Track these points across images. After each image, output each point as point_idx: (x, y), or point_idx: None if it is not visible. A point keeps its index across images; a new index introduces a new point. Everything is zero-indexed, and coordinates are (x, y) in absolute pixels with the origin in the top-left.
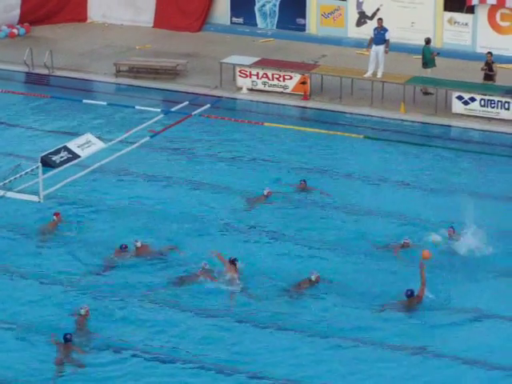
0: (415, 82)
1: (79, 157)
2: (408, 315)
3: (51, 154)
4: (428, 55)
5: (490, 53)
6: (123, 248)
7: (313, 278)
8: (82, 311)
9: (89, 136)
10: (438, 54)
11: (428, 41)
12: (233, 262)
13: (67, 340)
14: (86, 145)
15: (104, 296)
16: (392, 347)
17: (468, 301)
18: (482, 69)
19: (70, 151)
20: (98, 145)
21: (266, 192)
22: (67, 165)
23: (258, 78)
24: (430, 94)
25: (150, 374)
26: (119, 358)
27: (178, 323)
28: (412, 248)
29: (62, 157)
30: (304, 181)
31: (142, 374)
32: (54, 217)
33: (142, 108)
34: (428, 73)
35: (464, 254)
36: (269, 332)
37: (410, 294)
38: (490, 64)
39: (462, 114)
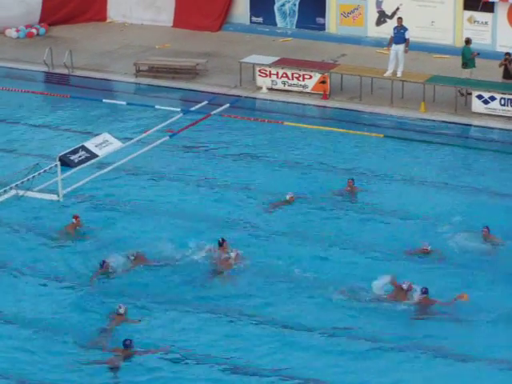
0: (435, 82)
1: (97, 156)
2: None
3: (69, 153)
4: (468, 55)
5: (508, 53)
6: (102, 265)
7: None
8: (121, 310)
9: (106, 135)
10: (479, 54)
11: (468, 41)
12: (220, 243)
13: (127, 346)
14: (104, 144)
15: (122, 296)
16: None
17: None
18: (500, 65)
19: (87, 151)
20: (116, 144)
21: (288, 197)
22: (85, 164)
23: (277, 78)
24: (469, 94)
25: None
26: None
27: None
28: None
29: (80, 156)
30: (352, 180)
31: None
32: (74, 220)
33: (162, 107)
34: (468, 73)
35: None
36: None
37: (425, 292)
38: (507, 65)
39: (482, 113)
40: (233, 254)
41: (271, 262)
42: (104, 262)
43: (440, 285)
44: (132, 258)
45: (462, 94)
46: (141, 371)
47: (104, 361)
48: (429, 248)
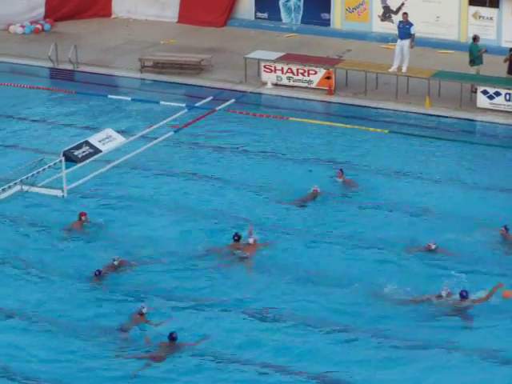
0: (440, 77)
1: (101, 151)
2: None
3: (73, 148)
4: (476, 52)
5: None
6: (98, 274)
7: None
8: (144, 310)
9: (109, 131)
10: (486, 50)
11: (475, 38)
12: (235, 239)
13: (174, 339)
14: (107, 139)
15: (126, 294)
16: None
17: None
18: (505, 60)
19: (91, 146)
20: (119, 139)
21: (312, 190)
22: (89, 159)
23: (282, 73)
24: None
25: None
26: None
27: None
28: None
29: (84, 151)
30: (341, 170)
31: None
32: (82, 217)
33: (167, 103)
34: (475, 70)
35: None
36: None
37: (465, 296)
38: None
39: (487, 109)
40: (251, 240)
41: (284, 256)
42: (99, 271)
43: (452, 283)
44: (116, 263)
45: (474, 92)
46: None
47: (148, 355)
48: (433, 246)
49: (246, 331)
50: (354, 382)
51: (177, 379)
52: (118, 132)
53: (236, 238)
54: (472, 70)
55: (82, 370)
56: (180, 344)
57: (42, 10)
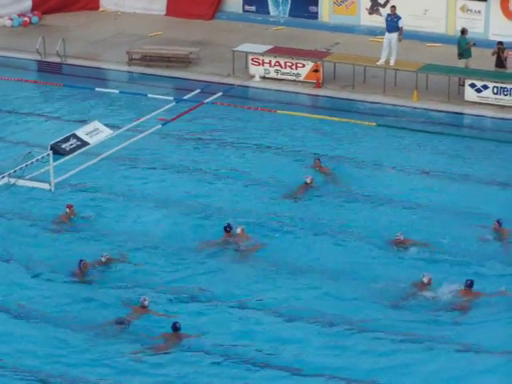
0: (428, 70)
1: (88, 144)
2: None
3: (60, 141)
4: (464, 45)
5: (501, 42)
6: (82, 267)
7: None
8: (146, 302)
9: (96, 123)
10: (475, 44)
11: (463, 31)
12: (227, 230)
13: (177, 329)
14: (95, 132)
15: (118, 287)
16: None
17: None
18: (493, 53)
19: (78, 139)
20: (106, 132)
21: (308, 180)
22: (77, 152)
23: (270, 66)
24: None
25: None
26: None
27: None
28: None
29: (71, 144)
30: (318, 159)
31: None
32: (67, 209)
33: (155, 96)
34: (464, 64)
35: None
36: None
37: (470, 284)
38: (500, 54)
39: (475, 102)
40: (238, 230)
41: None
42: (81, 261)
43: (443, 277)
44: (103, 260)
45: (462, 85)
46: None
47: (155, 347)
48: (402, 238)
49: (241, 323)
50: (354, 374)
51: (180, 370)
52: (106, 125)
53: (228, 229)
54: (461, 64)
55: (80, 364)
56: (183, 335)
57: (29, 3)
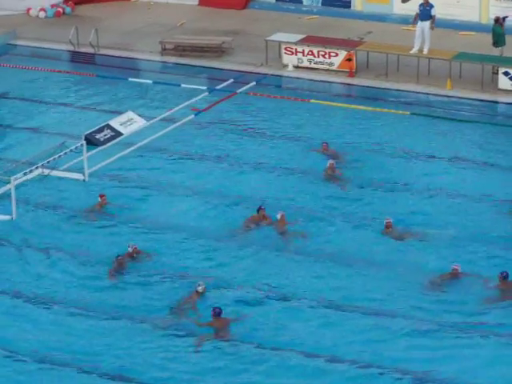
0: (461, 58)
1: (122, 134)
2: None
3: (95, 132)
4: (498, 34)
5: None
6: (119, 259)
7: None
8: (200, 288)
9: (130, 114)
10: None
11: (497, 19)
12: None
13: (218, 314)
14: (128, 122)
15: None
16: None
17: None
18: None
19: (112, 129)
20: (140, 122)
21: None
22: (111, 143)
23: (303, 55)
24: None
25: None
26: None
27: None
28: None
29: (105, 135)
30: (326, 143)
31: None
32: (99, 198)
33: (188, 86)
34: (499, 52)
35: None
36: None
37: (506, 276)
38: None
39: (509, 90)
40: (279, 216)
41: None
42: (119, 256)
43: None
44: (130, 250)
45: (495, 73)
46: None
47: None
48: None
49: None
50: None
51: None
52: (139, 115)
53: (261, 211)
54: (495, 52)
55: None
56: (226, 319)
57: None
